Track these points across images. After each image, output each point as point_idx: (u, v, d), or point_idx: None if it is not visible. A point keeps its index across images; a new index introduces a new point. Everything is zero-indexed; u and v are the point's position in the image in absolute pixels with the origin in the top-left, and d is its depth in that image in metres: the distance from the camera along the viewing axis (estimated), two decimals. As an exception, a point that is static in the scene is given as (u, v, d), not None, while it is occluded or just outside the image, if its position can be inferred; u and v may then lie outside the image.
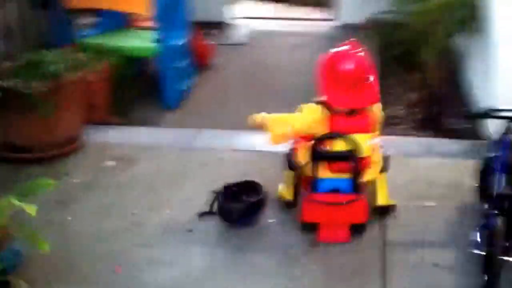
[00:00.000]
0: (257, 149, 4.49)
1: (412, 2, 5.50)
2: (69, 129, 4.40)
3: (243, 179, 3.84)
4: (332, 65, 3.34)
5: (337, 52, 3.41)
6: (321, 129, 3.33)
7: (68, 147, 4.39)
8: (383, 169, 3.57)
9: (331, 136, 3.32)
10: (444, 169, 4.15)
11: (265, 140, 3.54)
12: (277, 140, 3.47)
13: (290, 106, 3.67)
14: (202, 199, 3.75)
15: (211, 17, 8.84)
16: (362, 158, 3.32)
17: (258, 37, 8.34)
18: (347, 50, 3.41)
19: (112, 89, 5.30)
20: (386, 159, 3.62)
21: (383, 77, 6.26)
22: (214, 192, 3.69)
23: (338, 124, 3.32)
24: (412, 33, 5.71)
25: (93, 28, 6.35)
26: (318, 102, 3.37)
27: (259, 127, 3.54)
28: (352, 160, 3.30)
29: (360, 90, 3.33)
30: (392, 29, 7.11)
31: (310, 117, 3.36)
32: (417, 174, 4.10)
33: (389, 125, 5.15)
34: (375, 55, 7.07)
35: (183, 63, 5.99)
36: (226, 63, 7.23)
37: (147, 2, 5.42)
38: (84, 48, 5.30)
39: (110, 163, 4.30)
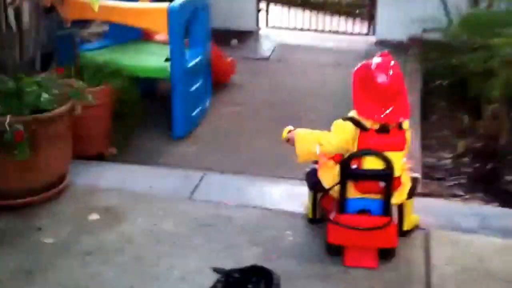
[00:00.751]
0: (274, 207, 3.72)
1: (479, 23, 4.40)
2: (50, 172, 3.65)
3: (253, 248, 3.24)
4: (366, 77, 3.13)
5: (371, 63, 3.18)
6: (351, 148, 3.12)
7: (47, 193, 3.64)
8: (411, 194, 3.32)
9: (364, 153, 3.10)
10: (508, 254, 3.33)
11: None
12: (303, 157, 3.30)
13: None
14: (200, 280, 2.99)
15: (234, 24, 8.08)
16: (395, 178, 3.11)
17: (285, 51, 7.55)
18: (382, 62, 3.18)
19: (112, 116, 4.57)
20: (414, 182, 3.37)
21: (425, 114, 5.59)
22: (214, 270, 2.95)
23: (369, 142, 3.09)
24: (472, 60, 4.81)
25: (100, 39, 5.63)
26: (347, 119, 3.14)
27: (286, 142, 3.35)
28: (385, 180, 3.11)
29: (393, 105, 3.11)
30: (442, 53, 6.26)
31: (340, 136, 3.14)
32: (469, 259, 3.28)
33: (430, 179, 4.36)
34: (417, 83, 6.30)
35: (198, 85, 5.25)
36: (246, 82, 6.46)
37: (164, 17, 4.67)
38: (85, 67, 4.58)
39: (94, 216, 3.54)
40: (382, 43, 7.91)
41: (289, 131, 3.36)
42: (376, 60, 3.19)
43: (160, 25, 4.76)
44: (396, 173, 3.11)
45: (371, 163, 3.10)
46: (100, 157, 4.52)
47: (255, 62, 7.14)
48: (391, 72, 3.10)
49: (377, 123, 3.06)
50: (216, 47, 5.92)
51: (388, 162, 3.07)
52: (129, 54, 5.29)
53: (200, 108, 5.33)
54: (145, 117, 5.11)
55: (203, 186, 3.99)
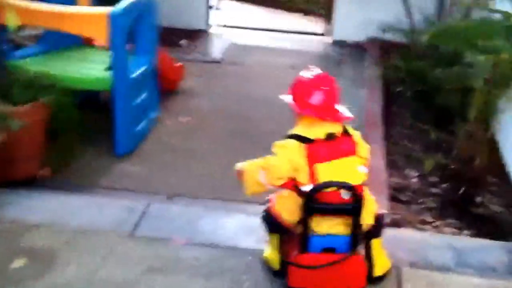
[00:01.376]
0: (229, 243, 3.31)
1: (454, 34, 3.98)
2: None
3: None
4: (301, 95, 2.88)
5: (305, 79, 2.92)
6: (300, 168, 2.77)
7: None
8: (378, 232, 2.99)
9: (327, 185, 2.76)
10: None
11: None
12: (251, 188, 2.95)
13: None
14: None
15: (183, 23, 7.60)
16: (356, 186, 2.78)
17: (238, 52, 7.11)
18: (316, 79, 2.90)
19: (46, 133, 4.06)
20: (379, 219, 2.98)
21: (387, 125, 5.20)
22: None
23: (319, 153, 2.77)
24: (449, 76, 4.48)
25: (36, 45, 5.06)
26: (288, 137, 2.85)
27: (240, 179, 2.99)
28: (354, 214, 2.79)
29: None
30: (405, 57, 5.92)
31: (284, 156, 2.80)
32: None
33: (396, 201, 4.02)
34: (377, 90, 5.95)
35: (143, 96, 4.77)
36: (197, 88, 6.01)
37: (103, 24, 4.16)
38: (14, 80, 4.05)
39: (19, 263, 3.03)
40: (339, 44, 7.58)
41: (239, 167, 3.03)
42: (309, 76, 2.91)
43: (99, 32, 4.25)
44: (356, 180, 2.79)
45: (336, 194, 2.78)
46: (32, 181, 4.02)
47: (206, 65, 6.68)
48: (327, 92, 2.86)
49: (322, 129, 2.80)
50: (164, 52, 5.44)
51: (355, 195, 2.76)
52: (66, 62, 4.75)
53: (146, 121, 4.86)
54: (86, 131, 4.62)
55: (148, 218, 3.53)
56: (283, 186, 2.88)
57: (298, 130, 2.83)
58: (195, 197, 4.05)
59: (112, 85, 4.35)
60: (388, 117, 5.29)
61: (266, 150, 2.91)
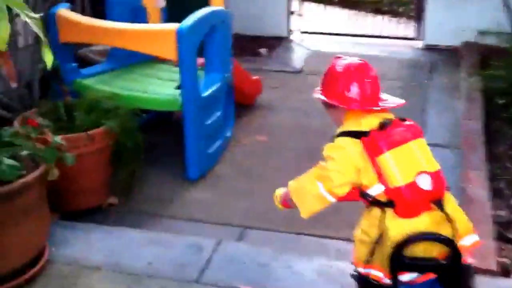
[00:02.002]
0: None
1: None
2: (19, 254, 2.86)
3: None
4: (341, 88, 2.39)
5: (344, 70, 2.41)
6: (363, 170, 2.27)
7: (17, 280, 2.87)
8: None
9: (422, 238, 2.24)
10: None
11: None
12: (308, 208, 2.39)
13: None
14: None
15: (262, 29, 7.23)
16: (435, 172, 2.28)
17: (321, 61, 6.57)
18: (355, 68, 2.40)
19: (112, 160, 3.79)
20: (468, 273, 2.35)
21: (489, 145, 4.47)
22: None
23: (381, 144, 2.24)
24: None
25: (104, 62, 4.84)
26: (339, 135, 2.35)
27: (285, 207, 2.55)
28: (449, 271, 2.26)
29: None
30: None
31: (342, 158, 2.29)
32: None
33: (504, 241, 3.44)
34: (477, 104, 5.29)
35: (217, 116, 4.41)
36: (275, 102, 5.61)
37: (171, 41, 3.85)
38: (76, 104, 3.82)
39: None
40: (430, 49, 6.96)
41: (280, 194, 2.57)
42: (345, 65, 2.41)
43: (167, 50, 3.93)
44: (433, 166, 2.29)
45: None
46: (97, 210, 3.76)
47: (285, 76, 6.27)
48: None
49: (373, 119, 2.31)
50: (239, 65, 5.08)
51: (451, 245, 2.24)
52: (134, 81, 4.49)
53: (219, 142, 4.51)
54: (156, 152, 4.35)
55: (216, 261, 3.16)
56: (348, 197, 2.36)
57: (346, 126, 2.36)
58: (270, 230, 3.64)
59: (182, 105, 4.03)
60: (490, 134, 4.68)
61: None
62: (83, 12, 5.45)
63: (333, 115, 2.47)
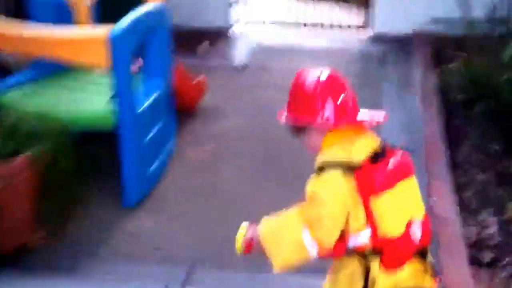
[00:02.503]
0: None
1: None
2: None
3: None
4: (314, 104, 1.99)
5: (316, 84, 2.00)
6: (355, 209, 1.88)
7: None
8: None
9: None
10: None
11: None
12: (285, 261, 1.95)
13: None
14: None
15: (201, 22, 6.74)
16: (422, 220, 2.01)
17: (267, 55, 6.26)
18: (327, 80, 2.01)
19: (39, 189, 3.28)
20: None
21: (450, 146, 4.18)
22: None
23: (374, 181, 1.87)
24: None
25: (28, 71, 4.27)
26: (326, 165, 1.92)
27: (246, 252, 2.03)
28: None
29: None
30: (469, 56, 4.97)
31: (338, 198, 1.88)
32: None
33: (477, 263, 3.15)
34: (433, 103, 4.99)
35: (157, 129, 3.96)
36: (220, 104, 5.18)
37: (102, 49, 3.35)
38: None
39: None
40: (380, 38, 6.64)
41: (245, 234, 2.04)
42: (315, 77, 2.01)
43: (97, 59, 3.44)
44: (422, 211, 1.99)
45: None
46: (22, 250, 3.26)
47: (230, 73, 5.84)
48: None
49: (360, 146, 1.94)
50: (180, 66, 4.60)
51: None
52: (59, 94, 3.97)
53: (161, 158, 4.06)
54: (94, 171, 3.86)
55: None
56: (333, 252, 1.94)
57: (331, 154, 1.96)
58: (223, 266, 3.21)
59: (116, 122, 3.55)
60: (450, 135, 4.40)
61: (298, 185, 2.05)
62: (7, 13, 4.84)
63: (307, 140, 2.05)
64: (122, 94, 3.51)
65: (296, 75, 2.06)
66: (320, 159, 1.96)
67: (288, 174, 4.04)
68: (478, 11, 5.46)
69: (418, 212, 1.97)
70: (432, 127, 4.39)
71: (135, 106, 3.60)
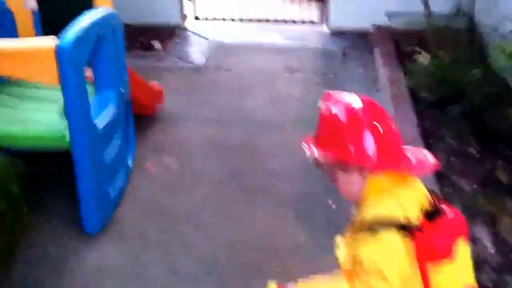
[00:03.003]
0: None
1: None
2: None
3: None
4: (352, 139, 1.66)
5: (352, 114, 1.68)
6: (413, 279, 1.59)
7: None
8: None
9: None
10: None
11: None
12: None
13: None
14: None
15: (153, 19, 6.35)
16: None
17: (223, 54, 5.91)
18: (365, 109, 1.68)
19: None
20: None
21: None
22: None
23: (433, 246, 1.57)
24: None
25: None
26: (380, 223, 1.59)
27: None
28: None
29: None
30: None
31: (397, 269, 1.56)
32: None
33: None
34: (404, 101, 4.73)
35: (117, 144, 3.59)
36: (178, 109, 4.83)
37: (50, 62, 2.95)
38: None
39: None
40: (339, 34, 6.39)
41: None
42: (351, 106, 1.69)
43: (44, 73, 3.03)
44: (473, 277, 1.71)
45: None
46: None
47: (187, 74, 5.47)
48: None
49: (409, 197, 1.64)
50: (134, 73, 4.22)
51: None
52: (7, 108, 3.54)
53: (121, 176, 3.68)
54: (44, 194, 3.49)
55: None
56: None
57: (383, 208, 1.63)
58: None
59: (70, 142, 3.16)
60: (423, 138, 4.18)
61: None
62: None
63: (342, 182, 1.73)
64: (76, 109, 3.11)
65: (324, 100, 1.74)
66: (370, 213, 1.64)
67: (256, 188, 3.76)
68: (437, 5, 5.29)
69: (470, 279, 1.71)
70: (406, 131, 4.15)
71: (90, 121, 3.22)
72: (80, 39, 3.05)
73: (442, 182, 3.66)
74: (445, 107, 4.28)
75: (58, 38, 2.96)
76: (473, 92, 4.00)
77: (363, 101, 1.70)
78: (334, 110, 1.70)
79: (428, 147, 3.96)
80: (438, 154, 4.03)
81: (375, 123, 1.65)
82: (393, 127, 1.70)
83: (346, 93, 1.75)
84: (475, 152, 3.95)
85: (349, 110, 1.68)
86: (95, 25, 3.30)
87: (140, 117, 4.34)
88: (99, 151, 3.33)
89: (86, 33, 3.13)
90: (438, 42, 5.02)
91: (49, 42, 2.99)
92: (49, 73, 3.01)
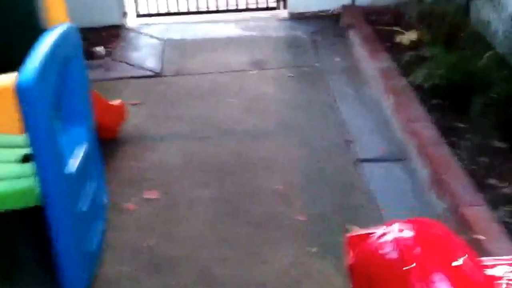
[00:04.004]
0: None
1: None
2: None
3: None
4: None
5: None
6: None
7: None
8: None
9: None
10: None
11: None
12: None
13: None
14: None
15: (89, 18, 5.46)
16: None
17: (179, 54, 5.19)
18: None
19: None
20: None
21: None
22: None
23: None
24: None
25: None
26: None
27: None
28: None
29: None
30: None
31: None
32: None
33: None
34: (405, 95, 4.18)
35: (92, 188, 2.89)
36: (146, 128, 4.12)
37: (9, 104, 2.25)
38: None
39: None
40: (301, 19, 5.80)
41: None
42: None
43: (3, 116, 2.32)
44: None
45: None
46: None
47: (142, 84, 4.72)
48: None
49: None
50: (96, 93, 3.50)
51: None
52: None
53: (100, 224, 3.00)
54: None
55: None
56: None
57: None
58: None
59: (39, 192, 2.45)
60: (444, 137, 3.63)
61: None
62: None
63: None
64: (47, 158, 2.41)
65: (371, 244, 1.25)
66: None
67: (262, 217, 3.18)
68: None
69: None
70: (423, 130, 3.63)
71: (63, 168, 2.52)
72: (44, 71, 2.34)
73: (483, 191, 3.13)
74: (457, 99, 3.79)
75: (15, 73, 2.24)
76: (492, 81, 3.52)
77: (419, 228, 1.28)
78: (378, 245, 1.26)
79: (452, 146, 3.47)
80: (466, 153, 3.52)
81: (444, 258, 1.23)
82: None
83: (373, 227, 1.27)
84: (502, 147, 3.48)
85: (402, 242, 1.23)
86: (59, 50, 2.58)
87: (102, 142, 3.61)
88: (75, 199, 2.65)
89: (48, 63, 2.41)
90: (422, 19, 4.58)
91: (5, 79, 2.26)
92: (6, 119, 2.31)
